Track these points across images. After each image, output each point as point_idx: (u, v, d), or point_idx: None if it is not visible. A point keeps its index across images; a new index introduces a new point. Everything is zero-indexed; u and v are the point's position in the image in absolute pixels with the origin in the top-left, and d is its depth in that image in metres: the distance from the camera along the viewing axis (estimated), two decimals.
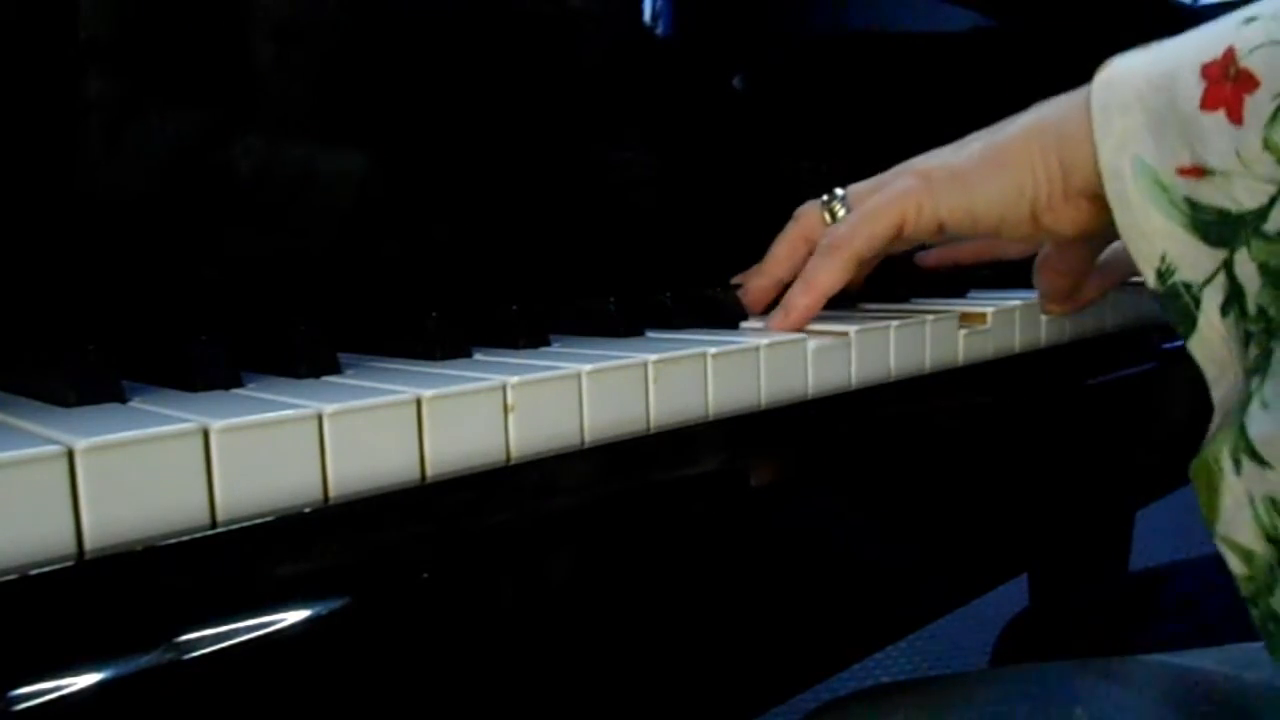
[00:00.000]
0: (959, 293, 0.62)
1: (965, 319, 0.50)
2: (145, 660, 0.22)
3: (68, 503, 0.24)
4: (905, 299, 0.59)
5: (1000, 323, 0.51)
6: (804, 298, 0.47)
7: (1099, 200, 0.41)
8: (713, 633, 0.36)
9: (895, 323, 0.45)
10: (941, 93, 0.76)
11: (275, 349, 0.36)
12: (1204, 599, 0.72)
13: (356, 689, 0.26)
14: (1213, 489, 0.36)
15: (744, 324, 0.49)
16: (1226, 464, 0.35)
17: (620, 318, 0.45)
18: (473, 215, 0.52)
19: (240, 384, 0.33)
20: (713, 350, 0.38)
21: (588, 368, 0.34)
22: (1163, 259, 0.38)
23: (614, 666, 0.33)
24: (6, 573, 0.22)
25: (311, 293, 0.46)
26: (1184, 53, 0.38)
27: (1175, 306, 0.38)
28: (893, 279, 0.60)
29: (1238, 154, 0.36)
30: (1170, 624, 0.72)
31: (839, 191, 0.51)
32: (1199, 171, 0.37)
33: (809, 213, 0.51)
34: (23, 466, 0.23)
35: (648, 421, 0.36)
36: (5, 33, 0.37)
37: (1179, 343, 0.39)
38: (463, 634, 0.28)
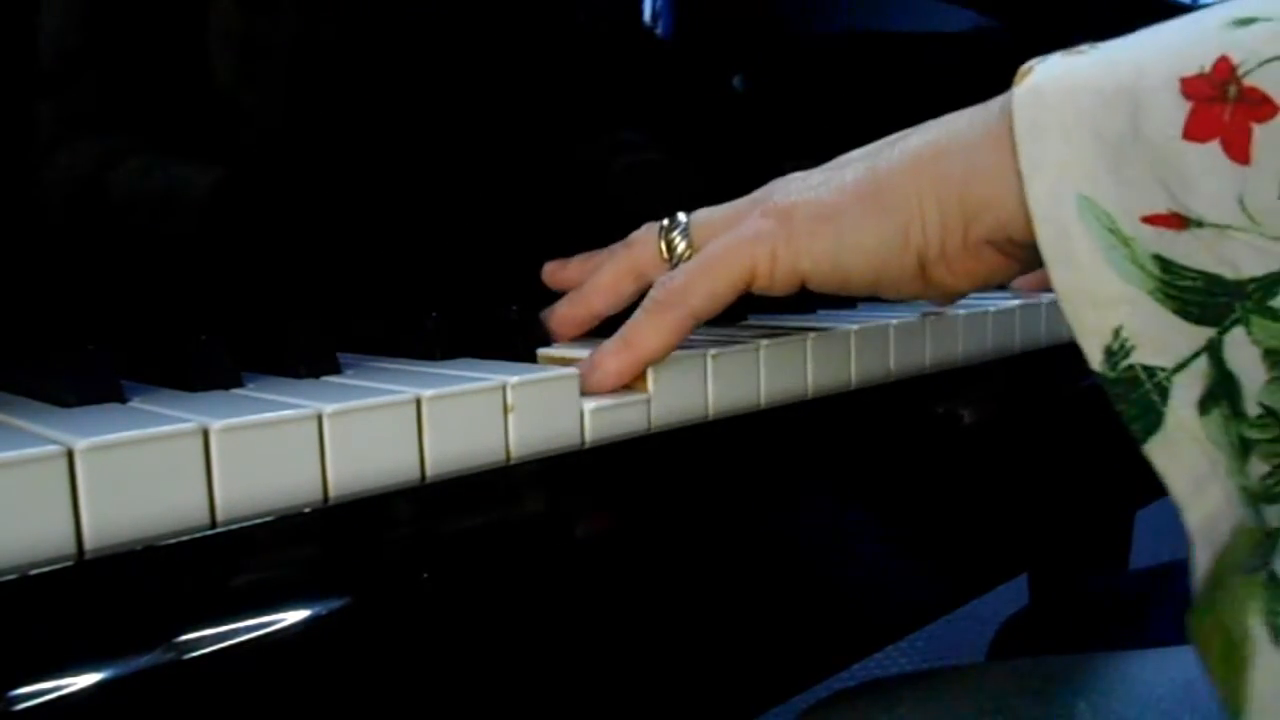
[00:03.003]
0: None
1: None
2: (145, 660, 0.22)
3: (68, 503, 0.24)
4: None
5: (1000, 322, 0.51)
6: (617, 359, 0.36)
7: (1009, 249, 0.34)
8: (713, 633, 0.36)
9: (894, 322, 0.45)
10: (942, 93, 0.76)
11: (275, 349, 0.36)
12: None
13: (356, 689, 0.26)
14: (1232, 664, 0.28)
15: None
16: (1257, 631, 0.27)
17: (620, 318, 0.45)
18: (472, 215, 0.52)
19: (240, 384, 0.33)
20: (712, 350, 0.38)
21: None
22: (1116, 334, 0.29)
23: (614, 666, 0.33)
24: (6, 573, 0.22)
25: (311, 293, 0.46)
26: (1148, 60, 0.29)
27: (1130, 397, 0.29)
28: None
29: (1241, 202, 0.27)
30: (1170, 623, 0.72)
31: (681, 218, 0.41)
32: (1178, 221, 0.28)
33: (644, 240, 0.42)
34: (23, 466, 0.23)
35: (648, 421, 0.36)
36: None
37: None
38: (462, 634, 0.28)
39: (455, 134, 0.50)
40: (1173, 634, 0.71)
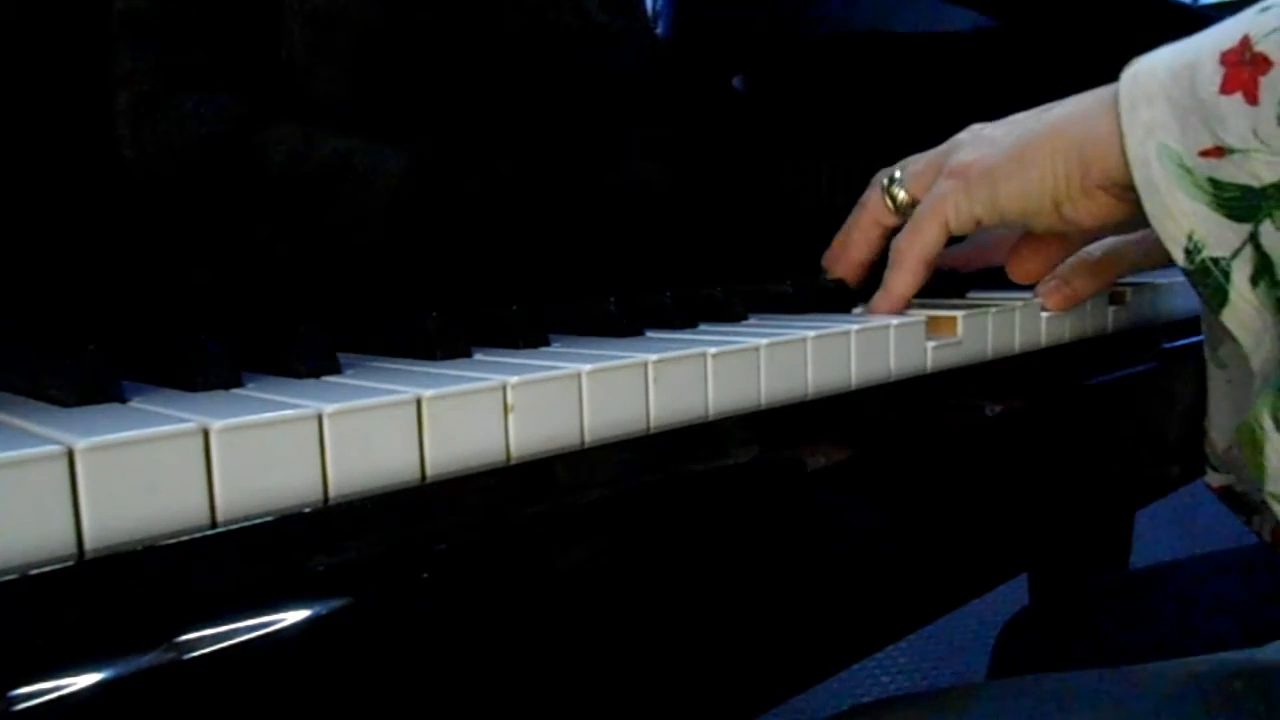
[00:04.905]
0: (959, 292, 0.62)
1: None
2: (145, 660, 0.22)
3: (68, 503, 0.24)
4: None
5: (1000, 323, 0.51)
6: (884, 304, 0.53)
7: (1115, 192, 0.44)
8: (711, 634, 0.36)
9: (895, 322, 0.45)
10: (943, 93, 0.76)
11: (275, 349, 0.36)
12: (1204, 598, 0.72)
13: (356, 689, 0.26)
14: (1257, 449, 0.38)
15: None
16: (1268, 424, 0.38)
17: (620, 318, 0.45)
18: (473, 215, 0.52)
19: (240, 384, 0.33)
20: (713, 350, 0.38)
21: (588, 368, 0.34)
22: (1190, 237, 0.40)
23: (612, 667, 0.33)
24: (6, 573, 0.22)
25: (311, 292, 0.46)
26: (1205, 44, 0.40)
27: (1206, 282, 0.40)
28: None
29: (1255, 132, 0.38)
30: (1170, 623, 0.72)
31: (896, 174, 0.55)
32: (1220, 152, 0.39)
33: (874, 199, 0.57)
34: (23, 466, 0.23)
35: (648, 421, 0.36)
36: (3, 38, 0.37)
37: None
38: (463, 634, 0.28)
39: (454, 131, 0.50)
40: (1174, 634, 0.71)
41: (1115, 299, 0.60)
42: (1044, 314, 0.55)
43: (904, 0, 0.75)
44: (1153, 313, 0.63)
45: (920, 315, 0.48)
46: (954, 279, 0.63)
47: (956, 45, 0.79)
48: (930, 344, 0.47)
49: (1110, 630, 0.75)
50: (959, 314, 0.50)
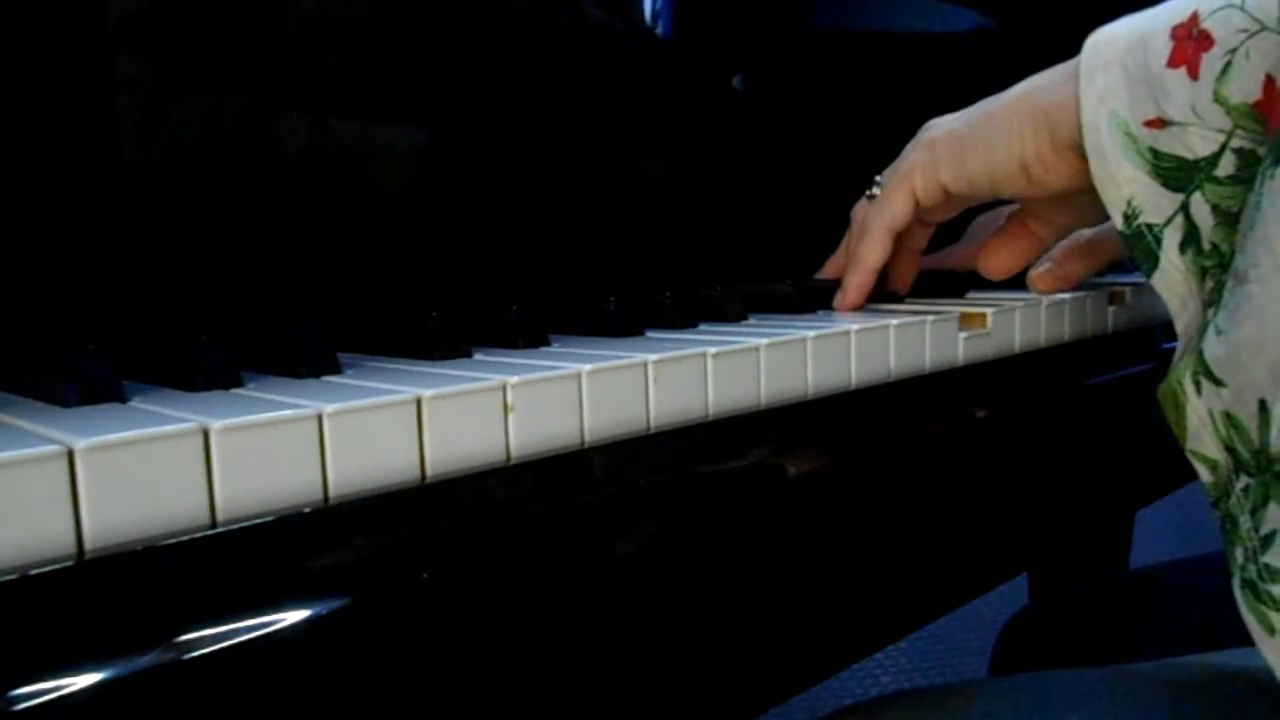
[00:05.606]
0: (958, 293, 0.62)
1: (965, 320, 0.50)
2: (145, 660, 0.22)
3: (68, 503, 0.24)
4: (903, 299, 0.59)
5: (1000, 323, 0.51)
6: (854, 276, 0.54)
7: (1083, 153, 0.45)
8: (712, 634, 0.36)
9: (895, 322, 0.45)
10: (943, 93, 0.76)
11: (275, 349, 0.36)
12: (1204, 598, 0.72)
13: (356, 690, 0.26)
14: (1179, 409, 0.39)
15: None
16: (1189, 386, 0.39)
17: (620, 318, 0.45)
18: (472, 215, 0.52)
19: (240, 384, 0.33)
20: (713, 350, 0.38)
21: (588, 368, 0.34)
22: (1129, 203, 0.42)
23: (612, 667, 0.33)
24: (6, 573, 0.22)
25: (311, 292, 0.46)
26: (1160, 17, 0.42)
27: (1140, 246, 0.42)
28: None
29: (1193, 107, 0.40)
30: (1170, 623, 0.72)
31: (877, 179, 0.57)
32: (1161, 123, 0.41)
33: (861, 206, 0.58)
34: (23, 466, 0.23)
35: (648, 422, 0.36)
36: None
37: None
38: (462, 635, 0.28)
39: (453, 131, 0.50)
40: (1173, 634, 0.71)
41: (1115, 299, 0.60)
42: (1043, 310, 0.54)
43: (904, 0, 0.75)
44: (1152, 313, 0.63)
45: (924, 315, 0.48)
46: (953, 279, 0.63)
47: (956, 45, 0.79)
48: (929, 344, 0.47)
49: (1110, 630, 0.75)
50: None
